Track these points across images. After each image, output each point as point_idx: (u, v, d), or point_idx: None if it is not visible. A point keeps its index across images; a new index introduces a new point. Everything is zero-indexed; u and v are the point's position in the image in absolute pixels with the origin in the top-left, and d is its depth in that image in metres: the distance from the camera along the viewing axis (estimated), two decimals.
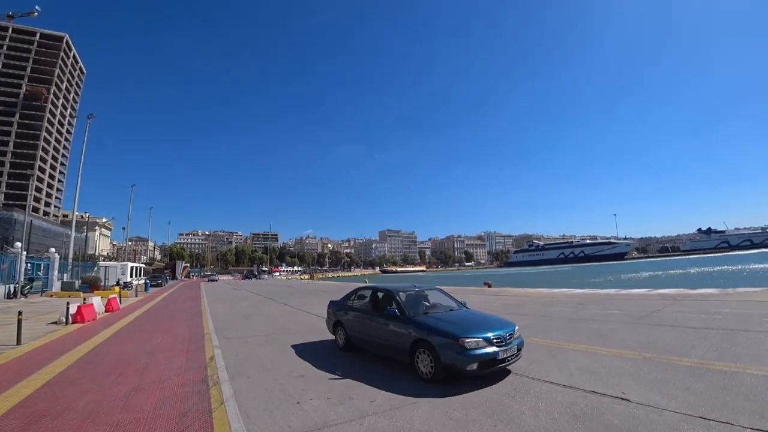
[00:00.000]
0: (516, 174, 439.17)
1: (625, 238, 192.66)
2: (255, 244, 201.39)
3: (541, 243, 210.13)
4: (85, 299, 15.49)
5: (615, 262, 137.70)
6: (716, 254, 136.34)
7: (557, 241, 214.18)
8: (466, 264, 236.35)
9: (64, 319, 13.64)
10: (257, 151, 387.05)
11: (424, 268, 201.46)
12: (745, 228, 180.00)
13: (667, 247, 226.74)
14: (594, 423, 4.15)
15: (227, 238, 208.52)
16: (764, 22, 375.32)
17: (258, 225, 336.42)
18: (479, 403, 4.90)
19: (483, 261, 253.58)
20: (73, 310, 13.89)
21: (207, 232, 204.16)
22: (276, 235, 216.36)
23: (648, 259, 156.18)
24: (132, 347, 9.60)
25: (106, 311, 17.50)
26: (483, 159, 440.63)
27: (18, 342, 10.01)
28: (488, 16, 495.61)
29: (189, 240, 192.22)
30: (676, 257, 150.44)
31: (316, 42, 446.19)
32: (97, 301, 16.31)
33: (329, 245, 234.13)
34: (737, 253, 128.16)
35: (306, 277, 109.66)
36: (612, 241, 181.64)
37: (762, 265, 56.01)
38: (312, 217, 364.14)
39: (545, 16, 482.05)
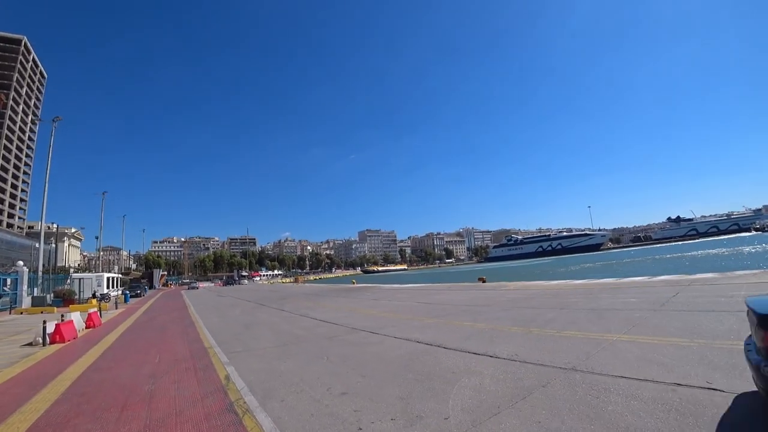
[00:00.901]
0: (490, 169, 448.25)
1: (600, 230, 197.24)
2: (233, 249, 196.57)
3: (520, 237, 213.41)
4: (63, 316, 14.09)
5: (592, 253, 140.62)
6: (687, 241, 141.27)
7: (535, 235, 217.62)
8: (447, 261, 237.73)
9: (40, 340, 12.30)
10: (230, 154, 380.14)
11: (405, 267, 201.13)
12: (711, 215, 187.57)
13: (640, 237, 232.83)
14: (707, 419, 3.78)
15: (204, 244, 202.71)
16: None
17: (235, 229, 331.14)
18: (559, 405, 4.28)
19: (463, 257, 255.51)
20: (50, 328, 12.55)
21: (183, 239, 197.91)
22: (254, 239, 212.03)
23: (623, 249, 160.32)
24: (128, 370, 8.48)
25: (87, 327, 16.08)
26: (455, 156, 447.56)
27: None
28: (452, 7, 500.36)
29: (164, 247, 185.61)
30: (650, 246, 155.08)
31: (286, 38, 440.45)
32: (76, 317, 14.91)
33: (309, 247, 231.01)
34: (707, 239, 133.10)
35: (288, 280, 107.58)
36: (587, 232, 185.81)
37: (732, 249, 58.37)
38: (289, 220, 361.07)
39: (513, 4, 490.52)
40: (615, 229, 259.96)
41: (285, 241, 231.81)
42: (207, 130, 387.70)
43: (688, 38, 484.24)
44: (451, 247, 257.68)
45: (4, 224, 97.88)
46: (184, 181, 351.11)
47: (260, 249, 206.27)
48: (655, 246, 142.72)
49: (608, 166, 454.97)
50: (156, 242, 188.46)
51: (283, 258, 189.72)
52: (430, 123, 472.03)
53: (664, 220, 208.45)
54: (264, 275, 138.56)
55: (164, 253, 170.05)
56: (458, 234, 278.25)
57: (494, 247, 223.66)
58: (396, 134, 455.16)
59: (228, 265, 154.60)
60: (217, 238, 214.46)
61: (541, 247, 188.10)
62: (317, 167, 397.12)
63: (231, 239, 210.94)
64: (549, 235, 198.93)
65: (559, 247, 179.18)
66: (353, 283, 45.16)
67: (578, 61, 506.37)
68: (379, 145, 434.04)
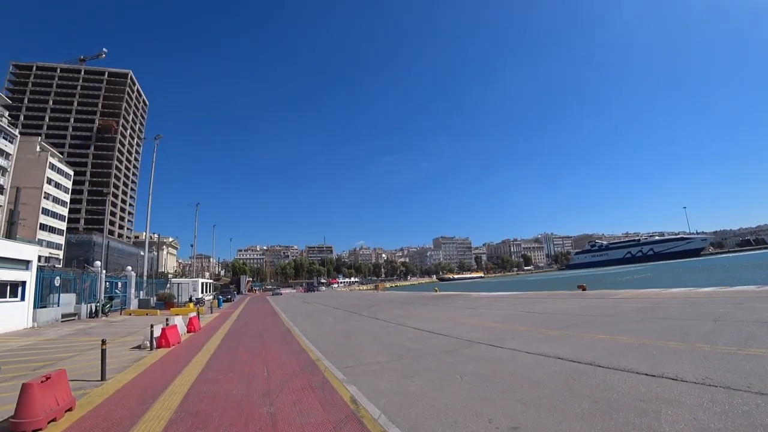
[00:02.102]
0: (567, 173, 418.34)
1: (698, 233, 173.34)
2: (311, 256, 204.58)
3: (605, 242, 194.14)
4: (167, 320, 14.01)
5: (692, 259, 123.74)
6: None
7: (622, 240, 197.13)
8: (525, 268, 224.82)
9: (148, 344, 12.11)
10: (306, 165, 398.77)
11: (482, 274, 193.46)
12: None
13: (749, 240, 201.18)
14: None
15: (284, 252, 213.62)
16: None
17: (312, 238, 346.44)
18: None
19: (542, 265, 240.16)
20: (157, 332, 12.36)
21: (265, 247, 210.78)
22: (330, 247, 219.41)
23: (729, 254, 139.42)
24: (239, 385, 7.47)
25: (188, 331, 16.09)
26: (529, 159, 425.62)
27: (102, 377, 8.28)
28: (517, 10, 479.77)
29: (248, 255, 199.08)
30: (764, 250, 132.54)
31: (358, 53, 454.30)
32: (179, 322, 14.88)
33: (383, 255, 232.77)
34: None
35: (366, 287, 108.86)
36: (684, 236, 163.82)
37: None
38: (363, 228, 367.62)
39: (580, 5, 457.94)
40: (716, 231, 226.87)
41: (360, 249, 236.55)
42: (285, 143, 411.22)
43: None
44: (528, 254, 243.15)
45: (116, 234, 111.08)
46: (265, 191, 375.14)
47: (337, 257, 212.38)
48: None
49: (704, 161, 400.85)
50: (241, 250, 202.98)
51: (359, 266, 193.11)
52: (500, 126, 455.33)
53: None
54: (341, 282, 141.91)
55: (248, 261, 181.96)
56: (536, 240, 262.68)
57: (576, 253, 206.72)
58: (465, 139, 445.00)
59: (307, 272, 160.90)
60: (296, 247, 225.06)
61: (629, 253, 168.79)
62: (389, 175, 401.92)
63: (309, 247, 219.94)
64: (638, 239, 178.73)
65: (651, 252, 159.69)
66: (435, 291, 43.10)
67: (666, 52, 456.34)
68: (449, 152, 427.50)
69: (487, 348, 9.39)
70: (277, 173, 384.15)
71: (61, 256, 74.92)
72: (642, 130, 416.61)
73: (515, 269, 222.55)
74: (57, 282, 21.84)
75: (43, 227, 74.97)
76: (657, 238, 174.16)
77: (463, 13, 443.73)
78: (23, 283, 18.76)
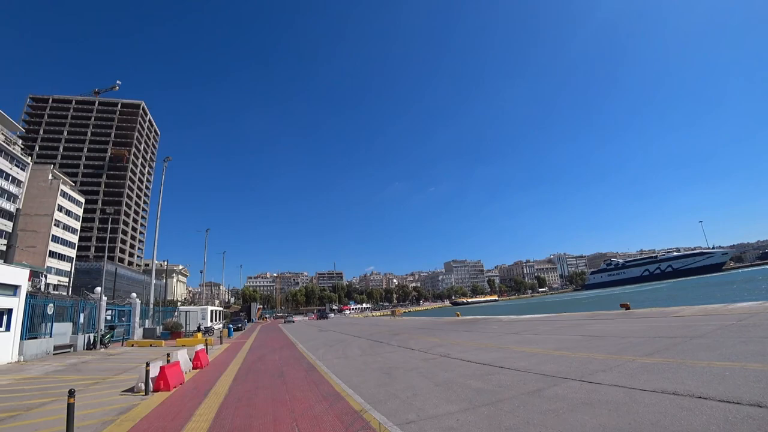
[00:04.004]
0: (576, 191, 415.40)
1: (715, 247, 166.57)
2: (321, 283, 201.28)
3: (621, 261, 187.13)
4: (168, 355, 11.51)
5: (713, 275, 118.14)
6: None
7: (638, 257, 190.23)
8: (540, 290, 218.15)
9: (143, 386, 9.60)
10: (314, 192, 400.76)
11: (496, 297, 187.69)
12: None
13: None
14: None
15: (294, 279, 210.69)
16: None
17: (322, 264, 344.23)
18: None
19: (556, 285, 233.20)
20: (154, 372, 9.85)
21: (275, 274, 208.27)
22: (341, 273, 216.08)
23: (751, 268, 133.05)
24: None
25: (194, 368, 13.51)
26: (536, 180, 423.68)
27: None
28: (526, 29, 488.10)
29: (258, 282, 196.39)
30: None
31: (364, 83, 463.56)
32: (183, 357, 12.35)
33: (394, 280, 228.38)
34: None
35: (379, 313, 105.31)
36: (704, 251, 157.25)
37: None
38: (373, 254, 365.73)
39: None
40: (734, 245, 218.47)
41: (371, 275, 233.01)
42: (292, 171, 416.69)
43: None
44: (542, 275, 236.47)
45: (125, 262, 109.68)
46: (273, 218, 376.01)
47: (347, 283, 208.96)
48: None
49: (716, 173, 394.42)
50: (251, 278, 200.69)
51: (371, 291, 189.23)
52: (507, 150, 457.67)
53: None
54: (353, 308, 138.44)
55: (258, 288, 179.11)
56: (549, 261, 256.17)
57: (592, 272, 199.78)
58: (473, 164, 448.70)
59: (318, 299, 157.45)
60: (306, 273, 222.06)
61: (647, 270, 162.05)
62: (398, 201, 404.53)
63: (319, 274, 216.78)
64: (656, 256, 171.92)
65: (670, 269, 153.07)
66: (457, 315, 40.06)
67: (672, 66, 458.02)
68: (456, 177, 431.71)
69: (582, 385, 7.09)
70: (285, 201, 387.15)
71: (68, 284, 73.24)
72: (652, 148, 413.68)
73: (529, 291, 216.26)
74: (50, 310, 19.49)
75: (52, 254, 73.72)
76: (675, 254, 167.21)
77: (468, 37, 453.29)
78: (9, 311, 16.41)
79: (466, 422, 5.77)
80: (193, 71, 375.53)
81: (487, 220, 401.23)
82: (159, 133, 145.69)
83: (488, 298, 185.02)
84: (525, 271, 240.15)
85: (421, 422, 5.98)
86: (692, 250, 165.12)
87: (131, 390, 10.06)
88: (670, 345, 10.02)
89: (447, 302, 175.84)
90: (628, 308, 23.37)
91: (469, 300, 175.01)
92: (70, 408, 5.92)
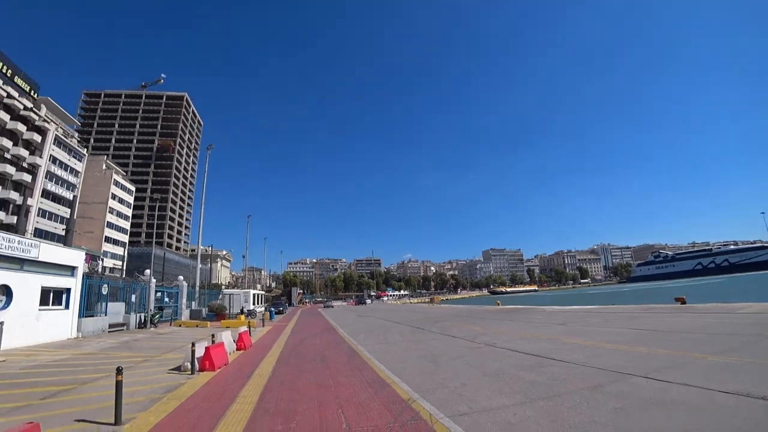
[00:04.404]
0: (624, 181, 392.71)
1: None
2: (359, 269, 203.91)
3: (670, 253, 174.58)
4: (213, 336, 11.62)
5: None
6: None
7: (690, 250, 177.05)
8: (582, 281, 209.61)
9: (189, 365, 9.68)
10: (354, 178, 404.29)
11: (536, 287, 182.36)
12: None
13: None
14: None
15: (332, 265, 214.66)
16: None
17: (359, 251, 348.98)
18: None
19: (599, 277, 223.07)
20: (199, 352, 9.89)
21: (314, 260, 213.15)
22: (378, 260, 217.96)
23: None
24: None
25: (237, 349, 13.66)
26: (583, 168, 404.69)
27: (116, 420, 5.76)
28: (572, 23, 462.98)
29: (298, 268, 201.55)
30: None
31: (408, 71, 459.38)
32: (227, 339, 12.44)
33: (432, 268, 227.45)
34: None
35: (416, 300, 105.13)
36: (765, 244, 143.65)
37: None
38: (411, 241, 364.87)
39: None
40: None
41: (408, 262, 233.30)
42: (332, 161, 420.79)
43: None
44: (585, 266, 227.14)
45: (173, 247, 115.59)
46: (312, 206, 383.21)
47: (385, 269, 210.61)
48: None
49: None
50: (291, 263, 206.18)
51: (408, 278, 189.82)
52: (551, 135, 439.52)
53: None
54: (391, 295, 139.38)
55: (299, 273, 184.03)
56: (592, 251, 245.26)
57: (638, 265, 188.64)
58: (514, 150, 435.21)
59: (357, 285, 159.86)
60: (344, 260, 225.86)
61: (700, 264, 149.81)
62: (437, 188, 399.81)
63: (357, 260, 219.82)
64: (710, 249, 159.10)
65: (726, 263, 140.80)
66: (498, 303, 38.99)
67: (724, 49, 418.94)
68: (496, 164, 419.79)
69: (649, 383, 6.44)
70: (325, 189, 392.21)
71: (122, 267, 78.07)
72: (705, 136, 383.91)
73: (570, 282, 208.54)
74: (105, 290, 20.55)
75: (108, 239, 78.70)
76: (732, 247, 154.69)
77: (517, 26, 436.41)
78: (68, 290, 17.40)
79: (525, 417, 5.20)
80: (235, 63, 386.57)
81: (528, 209, 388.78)
82: (202, 122, 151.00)
83: (527, 288, 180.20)
84: (566, 261, 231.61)
85: (474, 415, 5.46)
86: (752, 243, 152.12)
87: (178, 369, 10.17)
88: (743, 343, 9.09)
89: (485, 291, 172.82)
90: (684, 302, 21.77)
91: (508, 289, 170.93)
92: (119, 385, 5.85)
